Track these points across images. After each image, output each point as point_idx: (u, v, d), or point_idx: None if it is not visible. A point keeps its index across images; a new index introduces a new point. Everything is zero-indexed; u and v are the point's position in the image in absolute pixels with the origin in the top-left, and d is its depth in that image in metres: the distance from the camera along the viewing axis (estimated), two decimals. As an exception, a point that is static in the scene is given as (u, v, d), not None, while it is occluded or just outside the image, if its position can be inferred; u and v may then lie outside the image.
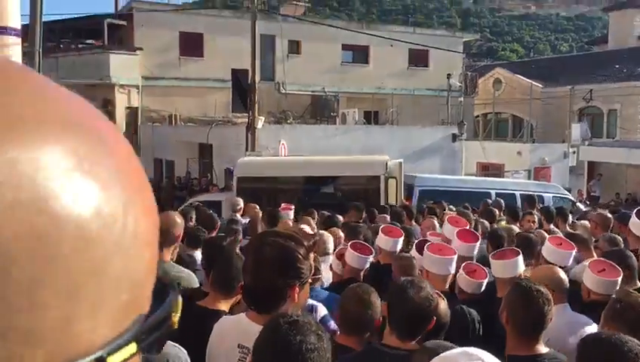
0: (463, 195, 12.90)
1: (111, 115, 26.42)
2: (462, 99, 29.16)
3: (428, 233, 5.64)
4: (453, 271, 3.79)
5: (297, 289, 1.83)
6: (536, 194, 12.70)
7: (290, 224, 6.28)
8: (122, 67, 25.50)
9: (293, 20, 25.70)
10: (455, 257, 3.79)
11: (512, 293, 2.62)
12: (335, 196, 12.19)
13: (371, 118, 28.28)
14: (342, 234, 5.12)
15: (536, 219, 7.16)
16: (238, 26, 24.21)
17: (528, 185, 15.93)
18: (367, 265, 4.23)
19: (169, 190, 21.32)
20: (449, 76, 28.79)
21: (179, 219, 3.66)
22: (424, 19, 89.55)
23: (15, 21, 8.53)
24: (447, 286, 3.69)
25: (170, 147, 23.56)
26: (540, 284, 2.66)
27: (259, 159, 14.69)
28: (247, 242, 3.53)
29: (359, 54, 30.28)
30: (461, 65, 31.80)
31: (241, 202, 9.06)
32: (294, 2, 27.80)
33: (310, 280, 1.90)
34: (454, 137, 24.19)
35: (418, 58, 30.68)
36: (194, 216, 7.26)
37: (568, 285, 3.31)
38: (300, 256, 1.88)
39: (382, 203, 11.14)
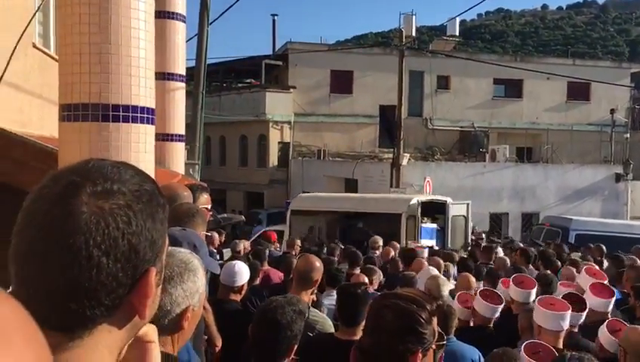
0: (626, 242, 11.77)
1: (265, 149, 28.36)
2: (628, 135, 26.68)
3: (559, 283, 5.37)
4: (566, 327, 3.59)
5: (420, 355, 1.74)
6: None
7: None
8: (276, 104, 27.09)
9: (442, 56, 25.65)
10: (568, 313, 3.58)
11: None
12: (365, 231, 12.94)
13: (524, 155, 26.91)
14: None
15: None
16: (387, 62, 24.64)
17: None
18: (497, 314, 4.22)
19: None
20: (613, 111, 26.55)
21: (318, 264, 3.85)
22: (587, 49, 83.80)
23: (181, 68, 9.61)
24: (561, 343, 3.51)
25: (318, 181, 24.36)
26: None
27: (310, 195, 16.16)
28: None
29: (512, 88, 29.16)
30: (628, 99, 29.22)
31: (380, 240, 9.71)
32: (444, 38, 27.63)
33: (434, 346, 1.82)
34: (618, 177, 22.13)
35: (578, 91, 28.76)
36: (337, 252, 7.84)
37: None
38: (423, 321, 1.79)
39: (402, 239, 11.81)
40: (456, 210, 13.95)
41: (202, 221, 2.95)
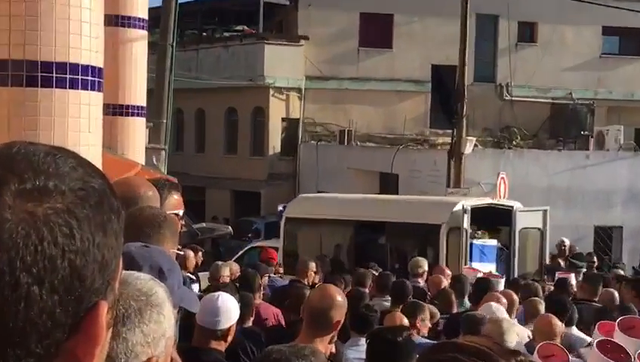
0: None
1: (263, 129, 28.48)
2: None
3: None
4: None
5: None
6: None
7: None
8: (280, 63, 27.11)
9: (526, -7, 25.54)
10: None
11: None
12: (385, 248, 13.40)
13: (647, 140, 26.69)
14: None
15: None
16: (443, 2, 24.54)
17: None
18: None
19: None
20: None
21: (340, 298, 3.99)
22: None
23: (141, 8, 9.63)
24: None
25: (341, 175, 24.38)
26: None
27: (313, 197, 16.75)
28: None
29: (631, 41, 28.91)
30: None
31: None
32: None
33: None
34: None
35: None
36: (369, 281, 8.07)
37: None
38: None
39: (441, 261, 12.08)
40: (527, 219, 14.14)
41: (172, 233, 2.98)
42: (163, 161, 12.47)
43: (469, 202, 13.66)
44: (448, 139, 21.33)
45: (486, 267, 12.65)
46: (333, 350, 4.43)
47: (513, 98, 27.53)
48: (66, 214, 0.88)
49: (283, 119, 27.99)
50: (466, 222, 12.92)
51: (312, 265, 9.99)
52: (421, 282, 9.37)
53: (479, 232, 13.98)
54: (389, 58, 27.76)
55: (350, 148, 26.05)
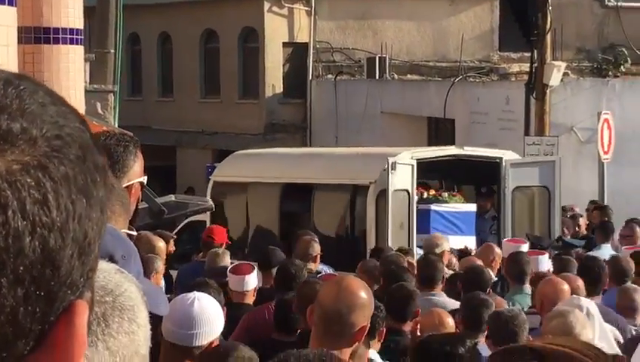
0: None
1: (256, 60, 28.37)
2: None
3: None
4: None
5: None
6: None
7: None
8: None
9: None
10: None
11: None
12: (311, 216, 14.82)
13: None
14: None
15: None
16: None
17: None
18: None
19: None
20: None
21: (364, 294, 4.13)
22: None
23: None
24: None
25: (372, 124, 24.39)
26: None
27: (247, 153, 18.51)
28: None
29: None
30: None
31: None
32: None
33: None
34: None
35: None
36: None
37: None
38: None
39: (368, 232, 13.61)
40: (525, 174, 15.10)
41: (122, 208, 2.99)
42: (111, 108, 12.49)
43: (426, 152, 15.16)
44: (525, 67, 21.27)
45: (459, 241, 13.55)
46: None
47: (620, 4, 27.36)
48: (38, 171, 0.87)
49: (285, 44, 28.04)
50: (398, 181, 13.94)
51: (317, 246, 10.67)
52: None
53: (445, 194, 15.17)
54: (436, -50, 27.68)
55: (384, 84, 26.05)
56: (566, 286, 7.16)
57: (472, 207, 15.22)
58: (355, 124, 24.78)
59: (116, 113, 12.66)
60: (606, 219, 15.16)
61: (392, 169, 13.80)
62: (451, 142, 21.56)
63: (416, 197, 14.37)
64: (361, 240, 13.44)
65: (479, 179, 16.04)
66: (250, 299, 8.65)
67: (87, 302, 0.94)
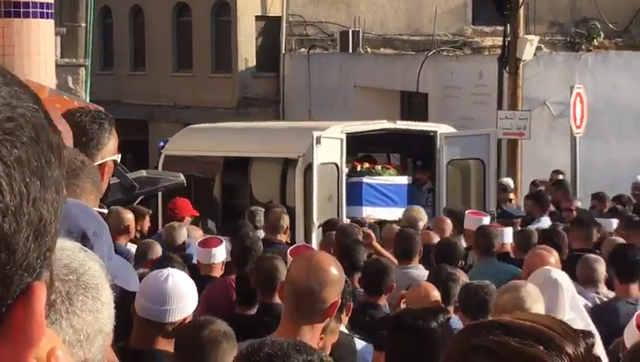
0: None
1: (228, 33, 28.21)
2: None
3: None
4: None
5: None
6: None
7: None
8: None
9: None
10: None
11: None
12: (244, 191, 15.50)
13: None
14: None
15: None
16: None
17: None
18: None
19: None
20: None
21: (334, 270, 4.14)
22: None
23: None
24: None
25: (345, 98, 24.40)
26: None
27: (197, 127, 19.28)
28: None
29: None
30: None
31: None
32: None
33: None
34: None
35: None
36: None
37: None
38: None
39: (298, 208, 14.20)
40: (460, 147, 15.73)
41: (93, 184, 3.00)
42: (82, 82, 12.44)
43: (356, 127, 15.74)
44: (498, 41, 21.29)
45: (390, 213, 14.58)
46: (327, 343, 4.49)
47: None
48: None
49: (258, 17, 27.99)
50: (326, 154, 14.45)
51: (285, 218, 11.11)
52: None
53: (378, 167, 15.71)
54: None
55: (357, 58, 26.04)
56: (553, 259, 7.26)
57: (404, 180, 15.80)
58: (329, 97, 24.81)
59: (87, 87, 12.63)
60: (564, 193, 15.73)
61: (317, 143, 14.21)
62: (424, 116, 21.60)
63: (345, 170, 14.90)
64: (292, 213, 13.60)
65: (416, 152, 16.78)
66: (217, 272, 8.80)
67: (46, 283, 0.94)
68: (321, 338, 4.11)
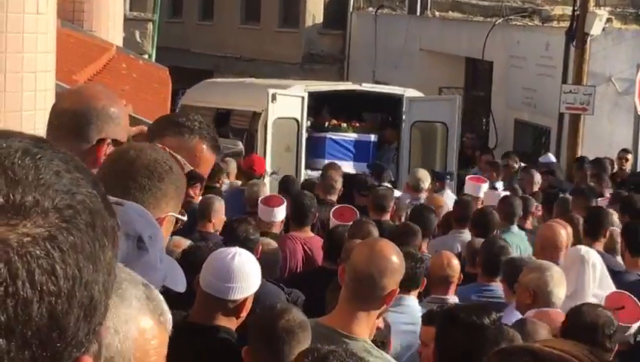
0: None
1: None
2: None
3: None
4: None
5: None
6: None
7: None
8: None
9: None
10: None
11: None
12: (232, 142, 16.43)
13: None
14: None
15: None
16: None
17: None
18: None
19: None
20: None
21: (395, 257, 4.25)
22: None
23: None
24: None
25: (410, 60, 24.31)
26: None
27: (213, 82, 20.59)
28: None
29: None
30: None
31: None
32: None
33: None
34: None
35: None
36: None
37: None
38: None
39: (259, 152, 15.18)
40: (424, 110, 16.83)
41: (176, 191, 2.97)
42: (150, 37, 12.47)
43: (313, 87, 16.98)
44: (568, 10, 21.02)
45: (353, 167, 15.81)
46: (381, 324, 4.56)
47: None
48: (47, 242, 0.90)
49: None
50: (284, 110, 15.84)
51: (339, 179, 11.63)
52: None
53: (344, 125, 17.00)
54: None
55: (424, 21, 25.88)
56: (564, 231, 7.53)
57: (368, 137, 16.94)
58: (393, 59, 24.66)
59: (154, 42, 12.66)
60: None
61: (272, 100, 15.53)
62: (489, 84, 21.44)
63: (306, 125, 16.17)
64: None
65: (384, 112, 17.77)
66: (277, 230, 9.05)
67: (93, 354, 1.00)
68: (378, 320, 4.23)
